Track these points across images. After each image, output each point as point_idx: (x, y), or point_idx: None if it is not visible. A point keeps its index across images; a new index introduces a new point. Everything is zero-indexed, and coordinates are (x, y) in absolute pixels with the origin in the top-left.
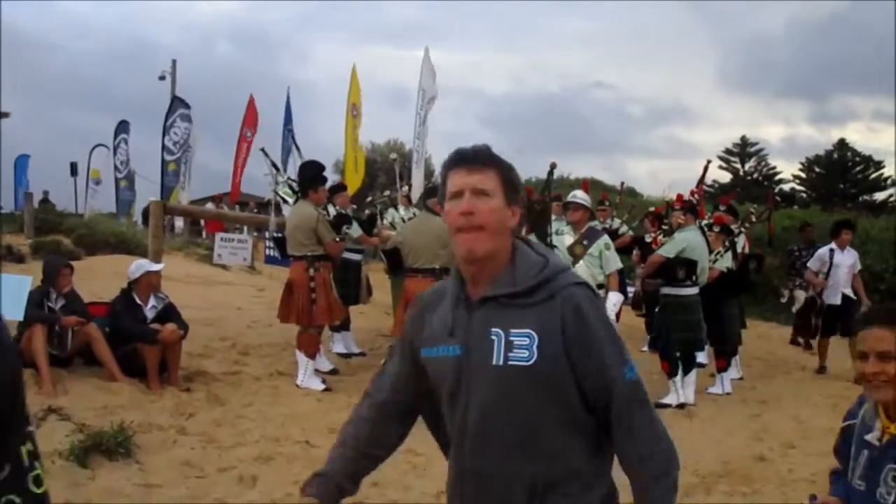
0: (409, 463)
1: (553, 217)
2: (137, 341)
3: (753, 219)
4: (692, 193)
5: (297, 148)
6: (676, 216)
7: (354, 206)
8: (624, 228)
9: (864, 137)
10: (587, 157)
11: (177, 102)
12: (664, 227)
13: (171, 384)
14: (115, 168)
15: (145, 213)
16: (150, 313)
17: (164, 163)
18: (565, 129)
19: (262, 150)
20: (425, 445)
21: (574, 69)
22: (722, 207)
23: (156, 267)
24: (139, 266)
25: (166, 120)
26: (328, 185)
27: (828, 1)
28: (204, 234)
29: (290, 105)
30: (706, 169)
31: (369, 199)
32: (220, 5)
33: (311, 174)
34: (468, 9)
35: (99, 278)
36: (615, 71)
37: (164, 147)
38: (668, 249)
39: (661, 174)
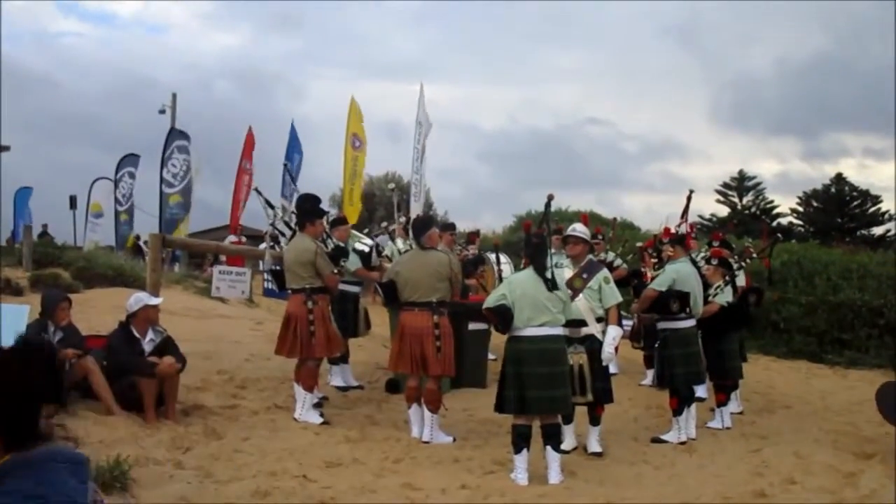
0: (408, 498)
1: (552, 250)
2: (134, 374)
3: (754, 254)
4: (679, 226)
5: (293, 180)
6: (666, 250)
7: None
8: (618, 262)
9: (856, 173)
10: (582, 192)
11: (174, 134)
12: (654, 260)
13: (167, 418)
14: (117, 201)
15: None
16: (147, 346)
17: (162, 196)
18: (560, 164)
19: (256, 189)
20: (423, 479)
21: (566, 105)
22: (715, 243)
23: (154, 301)
24: (138, 300)
25: (164, 152)
26: (329, 218)
27: (812, 42)
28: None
29: (296, 138)
30: (689, 200)
31: (367, 231)
32: (218, 44)
33: (308, 207)
34: (463, 44)
35: (97, 311)
36: (607, 107)
37: (162, 180)
38: (659, 283)
39: (657, 208)
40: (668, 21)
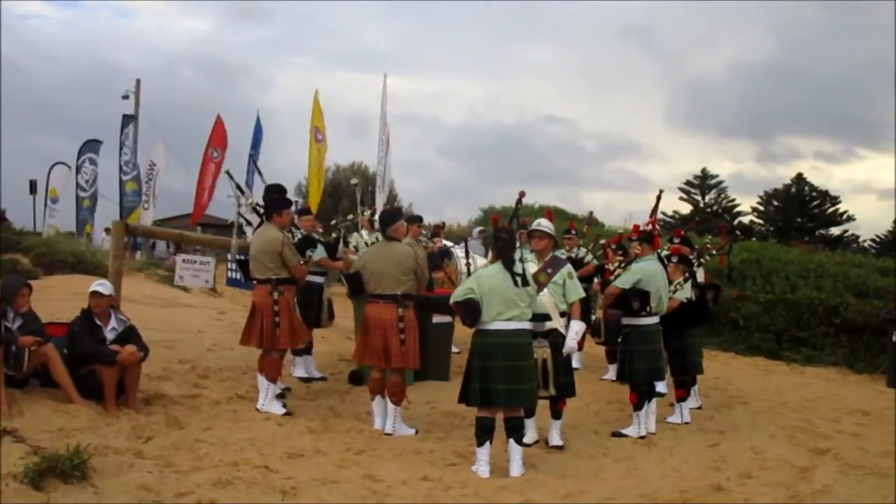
0: (369, 489)
1: (517, 245)
2: (95, 363)
3: (713, 251)
4: (647, 224)
5: (260, 173)
6: (633, 247)
7: (321, 230)
8: (589, 257)
9: (808, 176)
10: (544, 188)
11: (126, 120)
12: (619, 258)
13: (128, 407)
14: (79, 187)
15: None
16: (110, 335)
17: (121, 183)
18: (521, 160)
19: (227, 172)
20: (385, 471)
21: (527, 102)
22: (676, 240)
23: (100, 289)
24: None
25: (120, 138)
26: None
27: (765, 47)
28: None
29: (259, 129)
30: (658, 199)
31: (333, 222)
32: (184, 31)
33: (276, 197)
34: (431, 37)
35: (57, 298)
36: (567, 105)
37: (120, 167)
38: (624, 280)
39: (617, 206)
40: (629, 22)
